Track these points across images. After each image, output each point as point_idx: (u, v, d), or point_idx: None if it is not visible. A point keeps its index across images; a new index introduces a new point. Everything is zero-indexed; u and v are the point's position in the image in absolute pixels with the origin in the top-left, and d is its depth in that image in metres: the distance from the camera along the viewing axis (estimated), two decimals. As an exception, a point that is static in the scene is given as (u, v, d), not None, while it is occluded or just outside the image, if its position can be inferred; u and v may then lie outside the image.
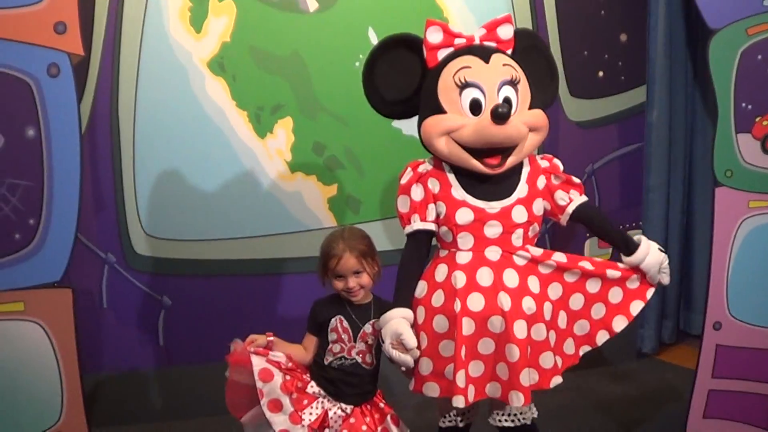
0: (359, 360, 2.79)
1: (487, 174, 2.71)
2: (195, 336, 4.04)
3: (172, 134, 3.88)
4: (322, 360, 2.80)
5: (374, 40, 4.00)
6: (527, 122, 2.72)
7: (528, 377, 2.69)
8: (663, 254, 2.87)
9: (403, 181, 2.85)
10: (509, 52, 2.83)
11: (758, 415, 3.50)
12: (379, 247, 3.85)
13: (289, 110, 4.02)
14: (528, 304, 2.70)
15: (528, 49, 2.89)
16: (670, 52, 4.50)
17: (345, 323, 2.79)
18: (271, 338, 2.76)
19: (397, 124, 4.06)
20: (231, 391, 2.76)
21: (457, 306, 2.68)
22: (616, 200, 4.68)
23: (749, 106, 3.30)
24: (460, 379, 2.66)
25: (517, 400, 2.66)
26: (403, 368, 2.79)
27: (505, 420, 2.87)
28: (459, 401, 2.66)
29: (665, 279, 2.88)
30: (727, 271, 3.42)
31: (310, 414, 2.72)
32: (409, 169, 2.86)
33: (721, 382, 3.49)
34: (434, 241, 2.90)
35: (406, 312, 2.72)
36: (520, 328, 2.66)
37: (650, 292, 2.87)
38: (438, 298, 2.75)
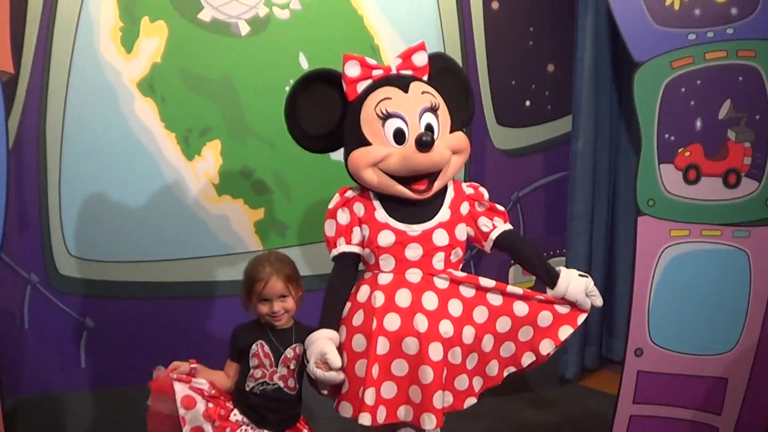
0: (281, 385, 2.79)
1: (415, 199, 2.77)
2: (117, 359, 3.97)
3: (99, 154, 3.82)
4: (244, 386, 2.79)
5: (305, 65, 4.02)
6: (450, 146, 2.80)
7: (442, 400, 2.71)
8: (585, 279, 2.89)
9: (331, 205, 2.91)
10: (425, 78, 2.90)
11: (677, 439, 3.57)
12: (307, 272, 3.87)
13: (218, 133, 3.99)
14: (445, 328, 2.73)
15: (441, 71, 2.97)
16: (596, 83, 4.58)
17: (266, 348, 2.78)
18: (194, 365, 2.75)
19: (325, 149, 4.09)
20: (153, 420, 2.74)
21: (374, 324, 2.72)
22: (540, 227, 4.73)
23: (672, 137, 3.38)
24: (368, 397, 2.68)
25: (429, 422, 2.68)
26: (324, 391, 2.82)
27: None
28: (365, 419, 2.68)
29: (597, 301, 2.89)
30: (648, 298, 3.47)
31: None
32: (337, 194, 2.93)
33: (641, 407, 3.55)
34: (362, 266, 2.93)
35: (332, 333, 2.76)
36: (435, 351, 2.69)
37: (581, 318, 2.89)
38: (358, 318, 2.79)
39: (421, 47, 2.92)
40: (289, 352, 2.79)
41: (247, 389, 2.78)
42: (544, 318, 2.85)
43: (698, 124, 3.36)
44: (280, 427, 2.80)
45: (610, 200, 4.98)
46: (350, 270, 2.91)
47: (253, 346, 2.78)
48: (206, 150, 3.97)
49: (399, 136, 2.77)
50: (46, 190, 3.78)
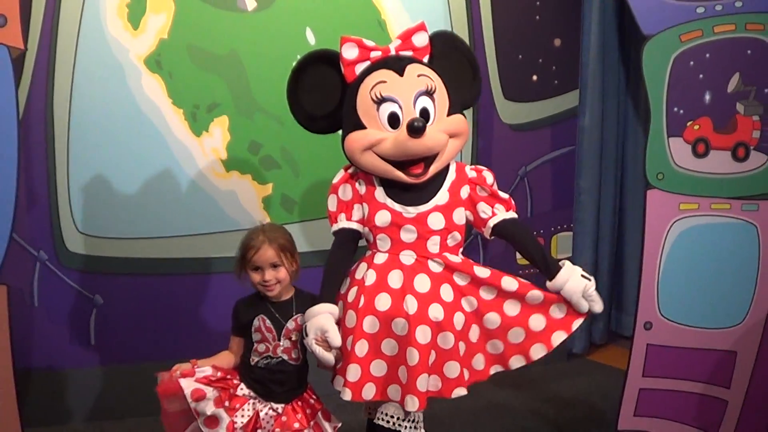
0: (285, 357, 2.80)
1: (413, 182, 2.77)
2: (127, 335, 3.99)
3: (107, 131, 3.81)
4: (249, 360, 2.81)
5: (312, 41, 4.02)
6: (446, 129, 2.78)
7: (426, 383, 2.72)
8: (587, 281, 2.84)
9: (335, 181, 2.93)
10: (426, 58, 2.87)
11: (686, 412, 3.57)
12: (313, 248, 3.89)
13: (226, 109, 3.99)
14: (435, 312, 2.73)
15: (447, 51, 2.94)
16: (603, 57, 4.58)
17: (268, 322, 2.79)
18: (195, 363, 2.75)
19: (332, 125, 4.08)
20: (168, 419, 2.78)
21: (361, 302, 2.74)
22: (548, 202, 4.73)
23: (681, 111, 3.37)
24: (351, 373, 2.71)
25: (412, 404, 2.70)
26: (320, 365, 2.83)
27: (381, 418, 2.86)
28: (346, 394, 2.72)
29: (595, 306, 2.84)
30: (657, 272, 3.48)
31: (242, 416, 2.73)
32: (341, 170, 2.95)
33: (651, 380, 3.56)
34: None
35: (332, 308, 2.77)
36: (422, 333, 2.70)
37: (576, 324, 2.87)
38: (352, 295, 2.82)
39: (421, 27, 2.89)
40: (290, 324, 2.81)
41: (252, 363, 2.80)
42: (537, 322, 2.82)
43: (707, 97, 3.35)
44: (287, 398, 2.82)
45: (618, 174, 4.99)
46: (349, 245, 2.92)
47: (255, 320, 2.79)
48: (214, 126, 3.97)
49: (393, 120, 2.75)
50: (54, 168, 3.78)
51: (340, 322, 2.80)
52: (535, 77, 4.56)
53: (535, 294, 2.83)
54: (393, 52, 2.85)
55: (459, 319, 2.78)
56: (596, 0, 4.47)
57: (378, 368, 2.75)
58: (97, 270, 3.90)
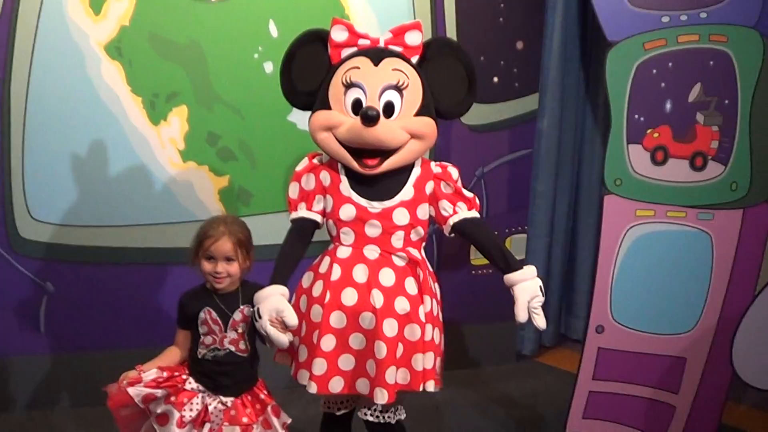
0: (233, 349, 2.78)
1: (363, 174, 2.77)
2: (77, 324, 3.95)
3: (64, 117, 3.77)
4: (196, 353, 2.79)
5: (275, 33, 4.00)
6: (407, 128, 2.75)
7: (395, 375, 2.74)
8: (540, 292, 2.81)
9: (298, 168, 2.92)
10: (415, 59, 2.86)
11: (634, 416, 3.62)
12: (268, 241, 3.85)
13: (185, 99, 3.95)
14: (402, 305, 2.76)
15: (443, 57, 2.90)
16: (564, 62, 4.61)
17: (214, 314, 2.77)
18: (141, 369, 2.71)
19: (291, 118, 4.09)
20: (122, 423, 2.77)
21: (326, 297, 2.75)
22: (503, 204, 4.75)
23: (641, 118, 3.39)
24: (316, 367, 2.73)
25: (381, 397, 2.71)
26: (274, 348, 2.82)
27: (369, 415, 2.92)
28: (312, 387, 2.74)
29: (538, 321, 2.77)
30: (611, 276, 3.50)
31: (191, 410, 2.71)
32: (306, 158, 2.94)
33: (601, 383, 3.60)
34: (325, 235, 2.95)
35: (284, 289, 2.75)
36: (390, 326, 2.72)
37: (429, 385, 2.83)
38: (317, 289, 2.82)
39: (416, 26, 2.87)
40: (237, 315, 2.78)
41: (200, 357, 2.78)
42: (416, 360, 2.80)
43: (668, 106, 3.38)
44: (236, 391, 2.80)
45: (574, 179, 5.02)
46: (305, 234, 2.92)
47: (201, 313, 2.77)
48: (172, 115, 3.94)
49: (356, 107, 2.74)
50: (9, 153, 3.72)
51: (302, 316, 2.80)
52: (496, 79, 4.56)
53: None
54: (382, 45, 2.85)
55: (423, 311, 2.80)
56: (560, 5, 4.49)
57: (346, 362, 2.76)
58: (49, 257, 3.86)
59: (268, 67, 4.00)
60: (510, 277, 2.82)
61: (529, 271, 2.84)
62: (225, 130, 4.05)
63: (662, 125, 3.38)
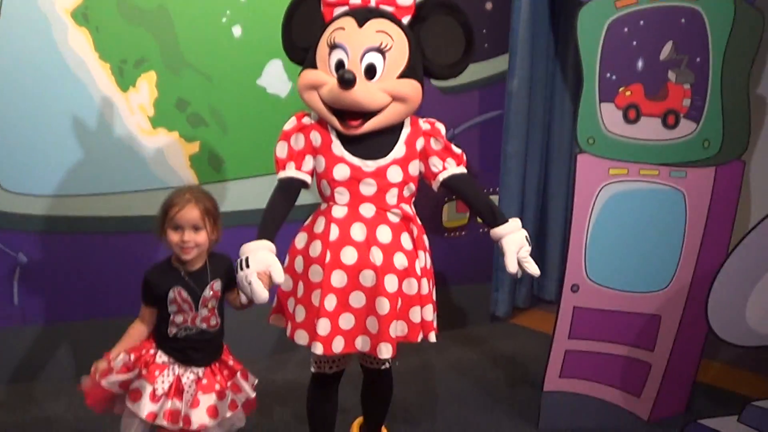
0: (204, 326, 2.75)
1: (345, 134, 2.77)
2: (52, 294, 3.92)
3: (31, 85, 3.70)
4: (166, 331, 2.74)
5: (242, -1, 3.96)
6: (388, 90, 2.73)
7: (395, 329, 2.77)
8: (526, 242, 2.90)
9: (286, 128, 2.89)
10: (406, 19, 2.84)
11: (611, 374, 3.65)
12: (238, 207, 3.84)
13: (153, 64, 3.90)
14: (400, 260, 2.77)
15: (439, 17, 2.87)
16: (533, 22, 4.61)
17: (184, 293, 2.71)
18: (109, 357, 2.68)
19: (261, 82, 4.06)
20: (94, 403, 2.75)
21: (327, 257, 2.75)
22: (475, 165, 4.73)
23: (613, 77, 3.39)
24: (321, 327, 2.73)
25: (386, 351, 2.74)
26: (244, 300, 2.77)
27: (370, 363, 3.06)
28: (317, 348, 2.73)
29: (530, 268, 2.86)
30: (585, 235, 3.52)
31: (163, 383, 2.69)
32: (294, 118, 2.91)
33: (577, 342, 3.63)
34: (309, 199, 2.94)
35: (271, 245, 2.73)
36: (390, 282, 2.74)
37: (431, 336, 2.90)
38: (315, 249, 2.80)
39: None
40: (207, 292, 2.74)
41: (170, 335, 2.73)
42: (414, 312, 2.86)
43: (640, 64, 3.38)
44: (206, 362, 2.78)
45: (544, 140, 5.03)
46: (293, 194, 2.90)
47: (170, 293, 2.70)
48: (141, 81, 3.88)
49: (339, 68, 2.74)
50: (-25, 122, 3.67)
51: (299, 276, 2.83)
52: (465, 40, 4.54)
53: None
54: (372, 4, 2.82)
55: (418, 265, 2.83)
56: (528, -36, 4.49)
57: (346, 321, 2.76)
58: (20, 228, 3.81)
59: (237, 31, 3.96)
60: (496, 231, 2.89)
61: (514, 224, 2.90)
62: (194, 95, 4.01)
63: (634, 83, 3.39)
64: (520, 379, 4.11)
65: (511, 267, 2.84)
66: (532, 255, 2.90)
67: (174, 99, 3.98)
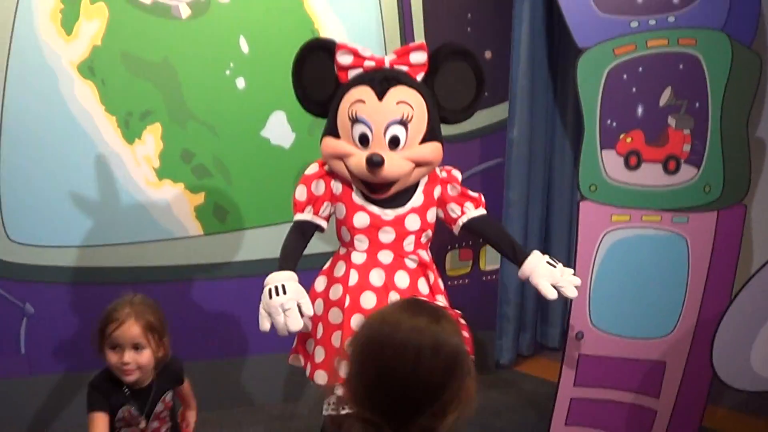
0: None
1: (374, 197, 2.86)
2: (58, 345, 3.92)
3: (39, 138, 3.73)
4: None
5: (245, 49, 3.98)
6: (413, 158, 2.81)
7: None
8: (553, 268, 2.96)
9: (308, 172, 2.98)
10: (420, 75, 2.89)
11: (616, 421, 3.63)
12: (243, 257, 3.85)
13: (159, 117, 3.93)
14: None
15: (452, 64, 2.93)
16: (532, 70, 4.62)
17: (134, 410, 2.57)
18: None
19: (264, 133, 4.08)
20: None
21: (347, 301, 2.80)
22: (477, 213, 4.76)
23: (614, 124, 3.42)
24: (343, 369, 2.72)
25: None
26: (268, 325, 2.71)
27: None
28: (340, 390, 2.71)
29: (566, 291, 2.94)
30: (589, 282, 3.52)
31: None
32: (315, 164, 3.00)
33: (582, 390, 3.62)
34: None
35: (295, 276, 2.78)
36: None
37: None
38: (335, 293, 2.88)
39: (421, 47, 2.90)
40: (159, 407, 2.65)
41: None
42: None
43: (639, 110, 3.40)
44: None
45: (546, 187, 5.03)
46: (308, 236, 2.99)
47: (119, 412, 2.56)
48: (146, 133, 3.91)
49: (363, 141, 2.81)
50: (-17, 174, 3.69)
51: (317, 316, 2.87)
52: (466, 89, 4.57)
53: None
54: (387, 65, 2.87)
55: None
56: (526, 14, 4.50)
57: None
58: (27, 278, 3.82)
59: (240, 83, 3.99)
60: (522, 271, 2.98)
61: (535, 258, 2.98)
62: (199, 147, 4.03)
63: (634, 130, 3.41)
64: (526, 426, 4.08)
65: (551, 295, 2.93)
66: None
67: (179, 150, 4.00)
